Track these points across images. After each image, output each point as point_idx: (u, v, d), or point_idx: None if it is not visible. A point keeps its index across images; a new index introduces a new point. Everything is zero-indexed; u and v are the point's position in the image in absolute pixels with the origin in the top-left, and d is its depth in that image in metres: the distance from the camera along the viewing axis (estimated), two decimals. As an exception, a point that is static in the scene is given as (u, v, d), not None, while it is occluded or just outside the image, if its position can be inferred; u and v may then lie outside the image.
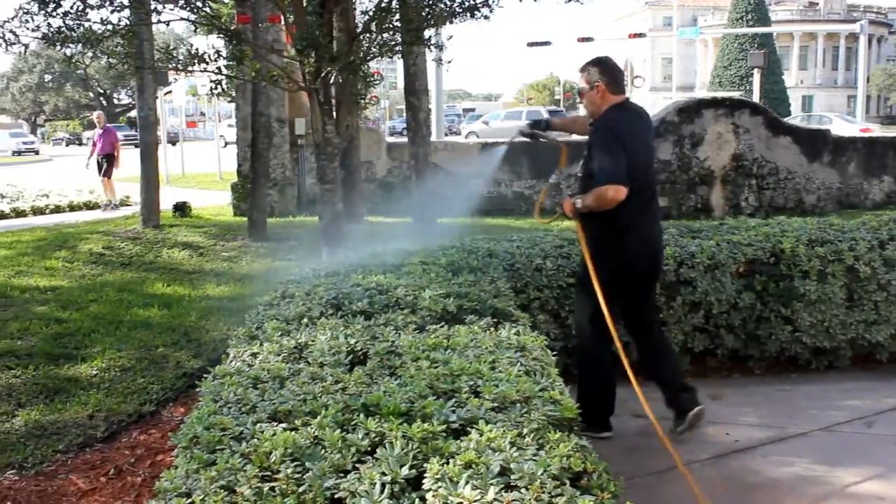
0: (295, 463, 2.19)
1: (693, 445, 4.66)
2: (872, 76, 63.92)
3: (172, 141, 33.15)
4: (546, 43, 42.44)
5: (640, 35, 51.76)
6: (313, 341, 3.24)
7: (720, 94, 37.73)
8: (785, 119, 23.31)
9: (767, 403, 5.34)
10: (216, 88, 8.10)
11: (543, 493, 2.01)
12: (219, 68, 8.03)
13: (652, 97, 71.15)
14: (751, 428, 4.94)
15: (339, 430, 2.35)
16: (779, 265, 5.74)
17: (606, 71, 4.59)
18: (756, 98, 27.76)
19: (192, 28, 9.52)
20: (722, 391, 5.55)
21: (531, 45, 42.16)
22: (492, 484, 2.02)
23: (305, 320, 3.62)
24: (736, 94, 35.23)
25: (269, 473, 2.16)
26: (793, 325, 5.74)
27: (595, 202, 4.43)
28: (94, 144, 18.21)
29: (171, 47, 8.94)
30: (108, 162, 17.75)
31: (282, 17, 9.82)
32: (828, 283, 5.70)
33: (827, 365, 5.91)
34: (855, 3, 77.50)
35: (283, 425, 2.46)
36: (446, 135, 35.69)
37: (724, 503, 4.02)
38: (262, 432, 2.36)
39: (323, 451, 2.24)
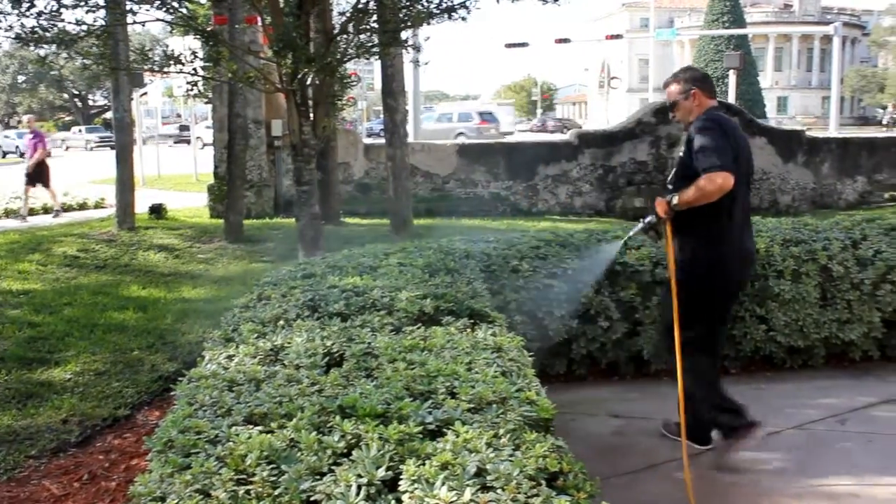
0: (271, 466, 2.17)
1: (669, 444, 4.68)
2: (846, 77, 64.49)
3: (185, 140, 32.33)
4: (523, 44, 42.48)
5: (617, 36, 51.90)
6: (289, 343, 3.23)
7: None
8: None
9: (742, 402, 5.37)
10: (192, 90, 8.07)
11: (519, 493, 2.01)
12: (195, 69, 8.01)
13: (629, 98, 71.54)
14: (726, 427, 4.96)
15: (315, 432, 2.33)
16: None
17: (699, 77, 4.58)
18: (732, 99, 27.89)
19: (168, 29, 9.46)
20: (698, 391, 5.57)
21: (509, 46, 42.19)
22: (468, 485, 2.01)
23: (281, 322, 3.60)
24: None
25: (244, 476, 2.15)
26: (767, 325, 5.78)
27: (697, 193, 4.13)
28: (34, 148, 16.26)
29: (147, 48, 8.89)
30: (38, 169, 16.06)
31: (259, 19, 9.80)
32: (802, 283, 5.75)
33: (801, 364, 5.95)
34: (829, 5, 78.20)
35: (259, 428, 2.44)
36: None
37: (699, 503, 4.04)
38: (238, 435, 2.35)
39: (299, 454, 2.23)
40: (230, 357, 3.18)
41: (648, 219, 4.57)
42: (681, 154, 4.47)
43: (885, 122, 54.39)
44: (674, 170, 4.57)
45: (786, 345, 5.82)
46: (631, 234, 4.93)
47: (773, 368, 5.94)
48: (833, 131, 31.64)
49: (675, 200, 4.28)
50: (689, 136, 4.37)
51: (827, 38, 64.10)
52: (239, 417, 2.52)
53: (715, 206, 4.18)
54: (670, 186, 4.50)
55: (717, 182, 4.05)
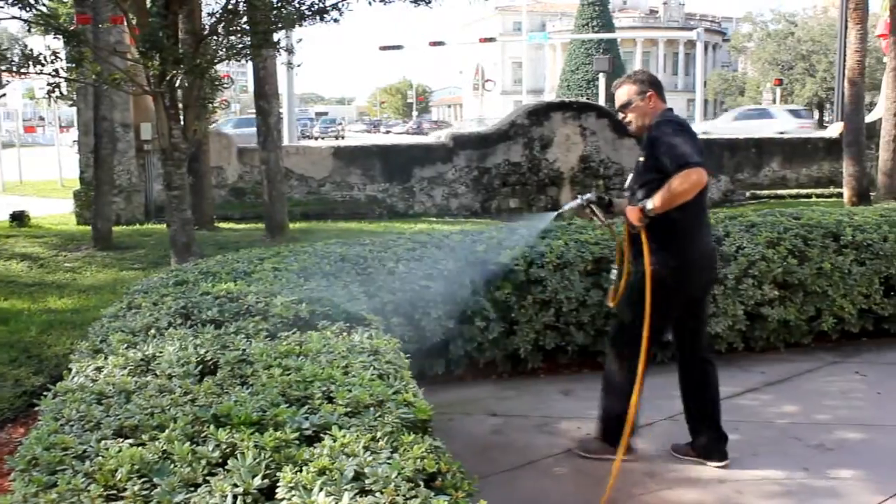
0: (142, 479, 2.12)
1: (546, 440, 4.78)
2: (709, 81, 67.06)
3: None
4: (398, 47, 42.61)
5: (491, 39, 52.63)
6: (161, 353, 3.15)
7: (568, 98, 38.84)
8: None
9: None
10: (54, 91, 7.77)
11: (398, 495, 2.01)
12: (56, 70, 7.72)
13: (503, 100, 72.58)
14: (601, 421, 5.09)
15: (188, 442, 2.29)
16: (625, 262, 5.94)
17: (654, 80, 4.56)
18: (602, 102, 28.69)
19: (27, 27, 9.10)
20: (573, 386, 5.72)
21: (383, 48, 42.24)
22: (346, 489, 2.01)
23: (153, 331, 3.51)
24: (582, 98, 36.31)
25: (114, 492, 2.09)
26: (638, 320, 5.95)
27: (670, 194, 4.04)
28: None
29: (4, 47, 8.50)
30: None
31: (124, 18, 9.51)
32: (669, 279, 5.94)
33: (671, 356, 6.14)
34: (692, 11, 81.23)
35: (130, 441, 2.37)
36: (299, 139, 35.39)
37: (577, 495, 4.14)
38: (107, 449, 2.27)
39: (172, 466, 2.18)
40: (99, 369, 3.08)
41: (587, 196, 4.57)
42: (640, 159, 4.41)
43: (744, 123, 56.76)
44: (631, 175, 4.54)
45: (656, 339, 5.99)
46: (562, 210, 4.88)
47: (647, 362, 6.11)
48: (698, 133, 32.90)
49: (650, 205, 4.13)
50: (649, 139, 4.32)
51: (690, 43, 66.72)
52: (108, 431, 2.45)
53: (686, 206, 4.11)
54: (627, 193, 4.51)
55: (692, 178, 3.99)
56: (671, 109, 4.53)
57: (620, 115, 4.62)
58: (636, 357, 4.28)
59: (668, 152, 4.12)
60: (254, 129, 13.95)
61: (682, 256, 4.29)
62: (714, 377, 4.61)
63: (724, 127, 30.94)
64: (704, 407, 4.57)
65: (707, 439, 4.50)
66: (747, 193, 18.31)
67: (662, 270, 4.24)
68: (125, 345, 3.32)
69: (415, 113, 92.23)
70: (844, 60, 16.71)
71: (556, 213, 5.11)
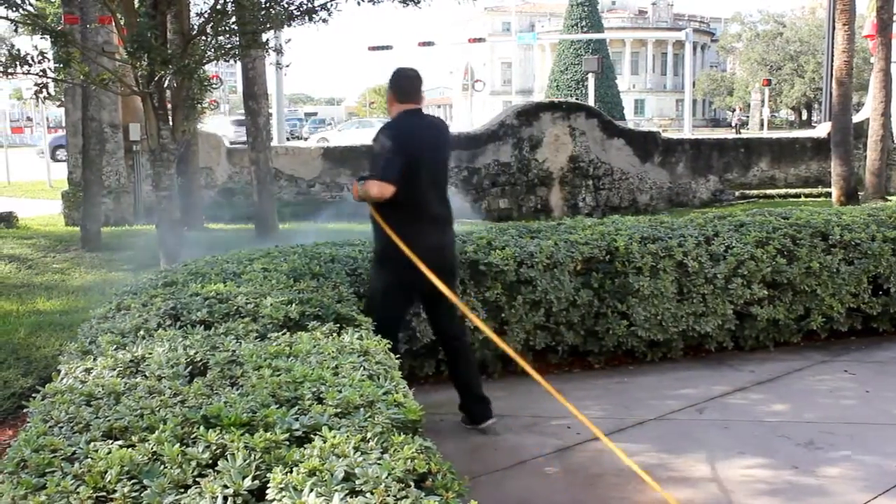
0: (132, 481, 2.11)
1: (536, 440, 4.78)
2: (698, 81, 67.27)
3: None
4: (387, 47, 42.48)
5: (480, 40, 52.64)
6: (150, 354, 3.14)
7: (557, 98, 38.91)
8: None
9: (606, 396, 5.54)
10: (42, 92, 7.73)
11: (388, 496, 2.01)
12: (44, 71, 7.68)
13: (492, 100, 72.59)
14: (591, 420, 5.09)
15: (178, 444, 2.28)
16: (614, 262, 5.96)
17: (393, 80, 4.76)
18: (591, 101, 28.73)
19: (14, 27, 9.06)
20: (563, 386, 5.67)
21: (372, 48, 42.12)
22: (336, 490, 2.01)
23: (142, 332, 3.50)
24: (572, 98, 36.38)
25: (104, 494, 2.08)
26: (628, 320, 5.97)
27: (362, 193, 4.55)
28: None
29: (-9, 48, 8.46)
30: None
31: (113, 18, 9.47)
32: (659, 279, 5.97)
33: (661, 356, 6.18)
34: (680, 12, 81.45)
35: (119, 442, 2.36)
36: (288, 139, 35.35)
37: (568, 495, 4.15)
38: (97, 451, 2.27)
39: (162, 467, 2.18)
40: (88, 370, 3.07)
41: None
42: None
43: (733, 123, 57.01)
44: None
45: (646, 339, 6.02)
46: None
47: (636, 362, 6.15)
48: (687, 132, 33.00)
49: (355, 189, 4.66)
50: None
51: (679, 44, 66.91)
52: (98, 433, 2.44)
53: (396, 205, 4.49)
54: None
55: (372, 191, 4.47)
56: (412, 111, 4.73)
57: None
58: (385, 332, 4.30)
59: (372, 158, 4.68)
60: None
61: (393, 246, 4.52)
62: (464, 351, 4.98)
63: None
64: (459, 377, 4.96)
65: (471, 406, 4.92)
66: (736, 193, 18.37)
67: (380, 254, 4.71)
68: (114, 346, 3.31)
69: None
70: (832, 61, 16.79)
71: None
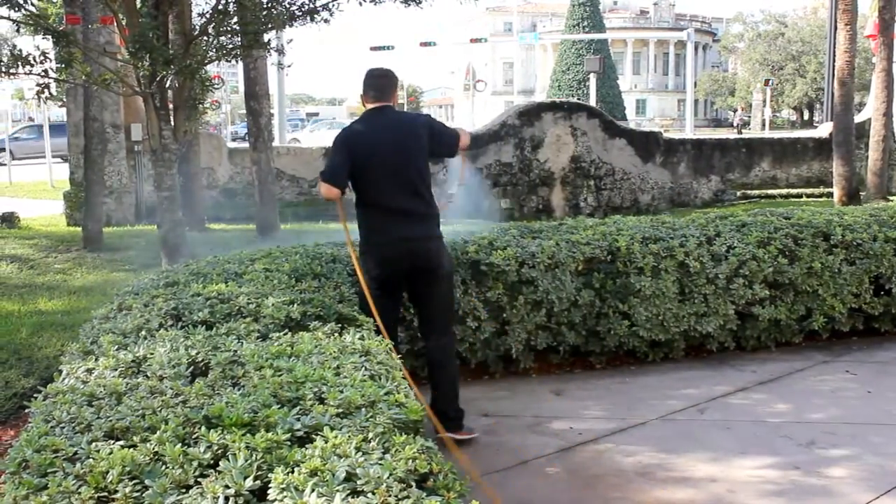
0: (134, 481, 2.11)
1: (538, 440, 4.78)
2: (699, 81, 67.25)
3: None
4: (389, 47, 42.51)
5: (481, 40, 52.62)
6: (152, 354, 3.14)
7: (559, 98, 38.93)
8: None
9: (608, 396, 5.54)
10: (43, 92, 7.74)
11: (390, 496, 2.01)
12: (46, 71, 7.69)
13: (494, 101, 72.59)
14: (593, 420, 5.11)
15: (179, 444, 2.28)
16: (615, 263, 5.96)
17: (364, 80, 4.80)
18: (593, 101, 28.73)
19: (16, 27, 9.06)
20: (565, 386, 5.72)
21: (374, 49, 42.13)
22: (338, 490, 2.01)
23: (144, 333, 3.50)
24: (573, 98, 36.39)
25: (105, 494, 2.08)
26: (630, 320, 5.96)
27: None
28: None
29: (-7, 49, 8.47)
30: None
31: (114, 19, 9.48)
32: (661, 279, 5.96)
33: (663, 356, 6.18)
34: (682, 12, 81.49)
35: (121, 443, 2.37)
36: (290, 141, 35.36)
37: (569, 495, 4.14)
38: (98, 451, 2.27)
39: (163, 468, 2.18)
40: (89, 370, 3.07)
41: None
42: None
43: (735, 123, 56.98)
44: None
45: (648, 339, 6.02)
46: None
47: (637, 362, 6.14)
48: (689, 132, 33.00)
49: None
50: None
51: (681, 44, 66.90)
52: (99, 433, 2.44)
53: (361, 203, 4.67)
54: None
55: (321, 191, 4.61)
56: (377, 109, 4.73)
57: None
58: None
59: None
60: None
61: (364, 242, 4.71)
62: (436, 354, 4.84)
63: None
64: (431, 381, 4.85)
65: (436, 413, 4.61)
66: (738, 193, 18.36)
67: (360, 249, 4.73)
68: (116, 346, 3.31)
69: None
70: (834, 61, 16.76)
71: None
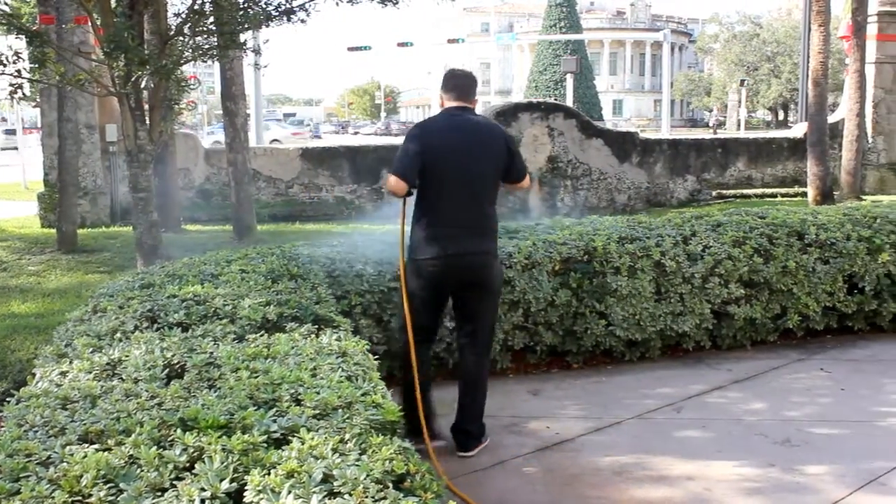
0: (108, 485, 2.09)
1: (515, 440, 4.79)
2: (676, 82, 67.64)
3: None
4: (366, 47, 42.52)
5: (459, 40, 52.68)
6: (127, 356, 3.12)
7: (536, 98, 39.00)
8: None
9: (585, 396, 5.56)
10: (17, 92, 7.67)
11: (367, 497, 2.01)
12: (19, 71, 7.62)
13: (471, 101, 72.51)
14: (570, 420, 5.12)
15: (155, 447, 2.27)
16: (592, 262, 5.98)
17: (445, 79, 4.73)
18: (570, 102, 28.82)
19: (-12, 28, 8.98)
20: (541, 386, 5.74)
21: (351, 49, 42.13)
22: (314, 492, 2.00)
23: (119, 335, 3.48)
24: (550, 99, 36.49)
25: (79, 498, 2.06)
26: (607, 320, 5.98)
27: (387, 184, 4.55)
28: None
29: (-36, 49, 8.39)
30: None
31: (89, 19, 9.41)
32: (637, 278, 5.99)
33: (639, 356, 6.20)
34: (658, 13, 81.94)
35: (96, 446, 2.35)
36: (271, 141, 35.23)
37: (547, 495, 4.15)
38: (72, 455, 2.25)
39: (138, 471, 2.16)
40: (63, 373, 3.05)
41: None
42: None
43: (711, 123, 57.35)
44: None
45: (624, 338, 6.04)
46: None
47: (614, 361, 6.16)
48: (665, 133, 33.17)
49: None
50: None
51: (657, 44, 67.30)
52: (73, 436, 2.42)
53: (416, 202, 4.51)
54: None
55: (389, 182, 4.42)
56: (451, 109, 4.65)
57: None
58: (416, 332, 4.54)
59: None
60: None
61: (412, 253, 4.57)
62: (465, 367, 4.77)
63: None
64: (459, 393, 4.78)
65: (455, 431, 4.72)
66: (714, 193, 18.46)
67: (407, 256, 4.62)
68: (90, 349, 3.29)
69: (383, 114, 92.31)
70: (808, 62, 16.90)
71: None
